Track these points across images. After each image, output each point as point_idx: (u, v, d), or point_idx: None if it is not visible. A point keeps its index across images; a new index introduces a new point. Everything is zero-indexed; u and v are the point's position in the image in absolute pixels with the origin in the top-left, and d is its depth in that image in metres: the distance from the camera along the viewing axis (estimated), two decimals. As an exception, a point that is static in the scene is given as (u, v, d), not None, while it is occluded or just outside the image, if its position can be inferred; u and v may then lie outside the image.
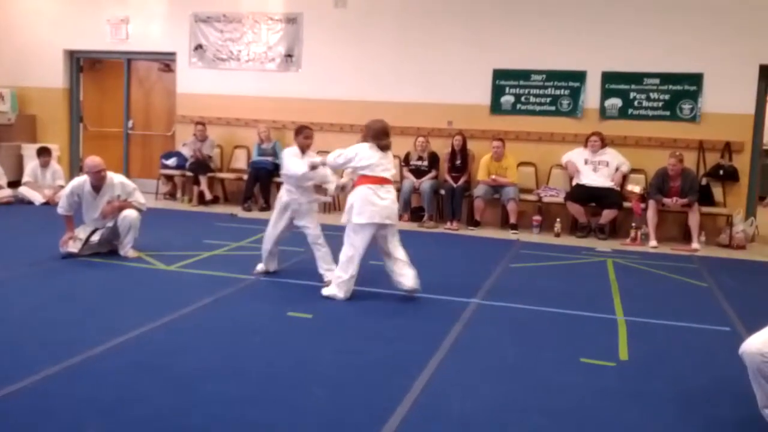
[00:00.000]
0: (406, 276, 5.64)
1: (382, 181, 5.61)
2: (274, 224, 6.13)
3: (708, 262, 7.77)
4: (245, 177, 10.48)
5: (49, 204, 9.47)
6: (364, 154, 5.61)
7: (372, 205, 5.53)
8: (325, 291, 5.64)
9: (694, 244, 8.54)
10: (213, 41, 11.09)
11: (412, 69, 10.16)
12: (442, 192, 9.65)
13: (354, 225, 5.59)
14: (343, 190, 6.22)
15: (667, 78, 9.31)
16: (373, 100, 10.25)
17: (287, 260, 6.55)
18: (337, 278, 5.59)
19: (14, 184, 10.44)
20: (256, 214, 9.86)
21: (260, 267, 6.23)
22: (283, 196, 6.11)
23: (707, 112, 9.20)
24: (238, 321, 4.93)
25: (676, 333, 5.10)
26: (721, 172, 9.05)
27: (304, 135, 6.17)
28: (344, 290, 5.56)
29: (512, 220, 9.31)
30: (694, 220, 8.63)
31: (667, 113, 9.36)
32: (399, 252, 5.72)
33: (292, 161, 5.99)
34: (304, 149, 6.14)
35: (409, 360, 4.22)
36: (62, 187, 9.43)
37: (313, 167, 5.92)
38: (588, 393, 3.87)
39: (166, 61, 11.77)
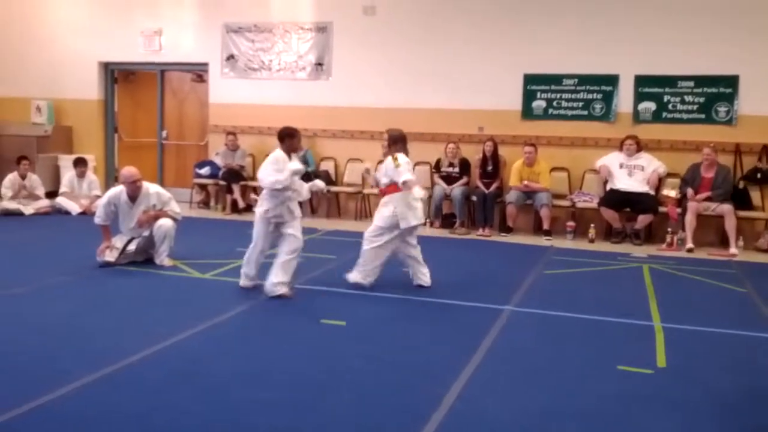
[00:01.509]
0: (423, 274, 6.18)
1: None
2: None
3: (746, 268, 7.62)
4: (277, 185, 10.52)
5: (86, 214, 9.62)
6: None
7: (411, 209, 6.00)
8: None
9: (732, 249, 8.39)
10: (244, 51, 11.20)
11: (442, 75, 10.15)
12: (474, 198, 9.62)
13: (403, 229, 6.02)
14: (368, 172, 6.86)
15: (701, 80, 9.19)
16: (403, 107, 10.26)
17: (319, 267, 6.57)
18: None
19: (52, 194, 10.62)
20: (288, 222, 9.89)
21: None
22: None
23: (744, 115, 9.06)
24: (271, 328, 4.95)
25: (715, 340, 5.01)
26: (759, 175, 8.88)
27: (298, 138, 5.99)
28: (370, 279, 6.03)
29: (545, 226, 9.24)
30: (731, 224, 8.48)
31: (702, 116, 9.23)
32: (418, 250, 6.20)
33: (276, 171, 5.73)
34: (291, 153, 5.92)
35: (443, 367, 4.20)
36: (98, 197, 9.60)
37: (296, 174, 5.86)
38: (625, 400, 3.81)
39: (198, 72, 11.91)
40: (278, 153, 5.78)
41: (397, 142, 6.12)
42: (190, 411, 3.49)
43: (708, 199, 8.59)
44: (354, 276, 6.04)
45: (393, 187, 6.01)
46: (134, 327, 4.85)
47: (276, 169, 5.66)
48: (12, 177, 10.07)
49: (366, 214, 10.47)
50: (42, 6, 12.25)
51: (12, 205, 9.86)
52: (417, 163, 10.22)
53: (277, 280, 5.64)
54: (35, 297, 5.57)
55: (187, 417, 3.42)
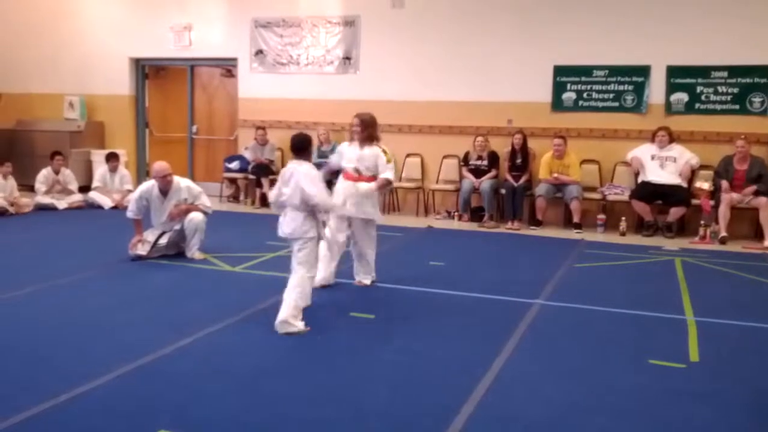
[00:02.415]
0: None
1: None
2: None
3: (782, 261, 7.50)
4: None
5: (118, 208, 9.76)
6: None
7: None
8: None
9: (767, 242, 8.25)
10: (273, 46, 11.24)
11: (470, 67, 10.10)
12: (503, 191, 9.57)
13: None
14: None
15: (735, 71, 9.03)
16: (431, 100, 10.24)
17: (348, 261, 6.57)
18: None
19: (85, 189, 10.78)
20: (317, 216, 9.92)
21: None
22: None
23: (779, 105, 8.91)
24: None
25: (750, 334, 4.93)
26: (795, 167, 8.73)
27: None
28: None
29: (575, 219, 9.17)
30: (766, 216, 8.34)
31: (736, 107, 9.08)
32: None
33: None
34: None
35: (473, 360, 4.19)
36: (130, 191, 9.72)
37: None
38: (657, 395, 3.77)
39: (227, 67, 11.99)
40: (311, 166, 4.99)
41: (371, 126, 5.77)
42: (223, 403, 3.52)
43: (756, 193, 8.41)
44: (366, 279, 5.99)
45: (374, 178, 5.79)
46: (166, 319, 4.91)
47: (321, 187, 4.92)
48: (46, 172, 10.24)
49: (394, 208, 10.48)
50: (73, 3, 12.41)
51: (46, 200, 10.03)
52: (445, 156, 10.25)
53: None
54: (69, 290, 5.66)
55: (220, 409, 3.45)
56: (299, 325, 4.66)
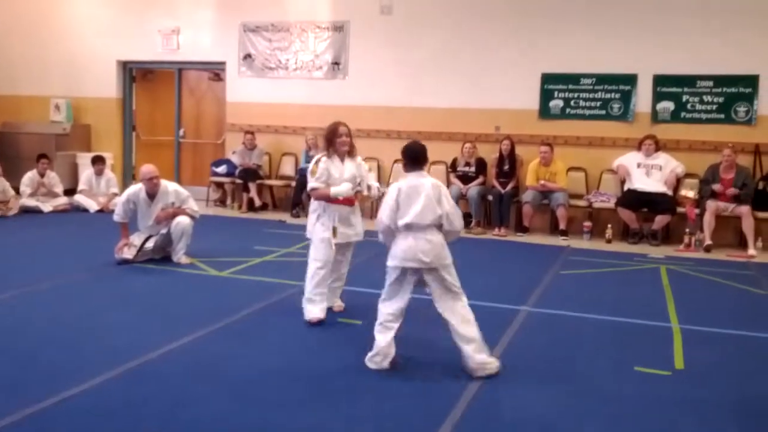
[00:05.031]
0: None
1: None
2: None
3: (765, 269, 7.55)
4: (293, 184, 10.58)
5: (104, 211, 9.73)
6: None
7: None
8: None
9: (751, 251, 8.32)
10: (261, 50, 11.23)
11: (459, 74, 10.14)
12: (490, 198, 9.59)
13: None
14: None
15: (721, 80, 9.12)
16: (419, 106, 10.27)
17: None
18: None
19: (70, 192, 10.72)
20: (304, 221, 9.81)
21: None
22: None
23: (763, 115, 8.99)
24: (289, 326, 4.96)
25: (734, 341, 4.97)
26: (779, 176, 8.82)
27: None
28: None
29: (562, 226, 9.21)
30: (748, 225, 8.42)
31: (722, 116, 9.16)
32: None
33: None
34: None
35: (460, 366, 4.19)
36: (116, 194, 9.70)
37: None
38: (642, 402, 3.79)
39: (216, 71, 11.96)
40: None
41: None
42: (211, 407, 3.51)
43: (736, 197, 8.49)
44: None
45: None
46: (153, 324, 4.89)
47: None
48: (31, 174, 10.17)
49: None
50: (61, 5, 12.35)
51: (31, 203, 9.96)
52: (433, 163, 10.26)
53: None
54: (54, 294, 5.62)
55: (208, 412, 3.44)
56: (495, 361, 4.14)
